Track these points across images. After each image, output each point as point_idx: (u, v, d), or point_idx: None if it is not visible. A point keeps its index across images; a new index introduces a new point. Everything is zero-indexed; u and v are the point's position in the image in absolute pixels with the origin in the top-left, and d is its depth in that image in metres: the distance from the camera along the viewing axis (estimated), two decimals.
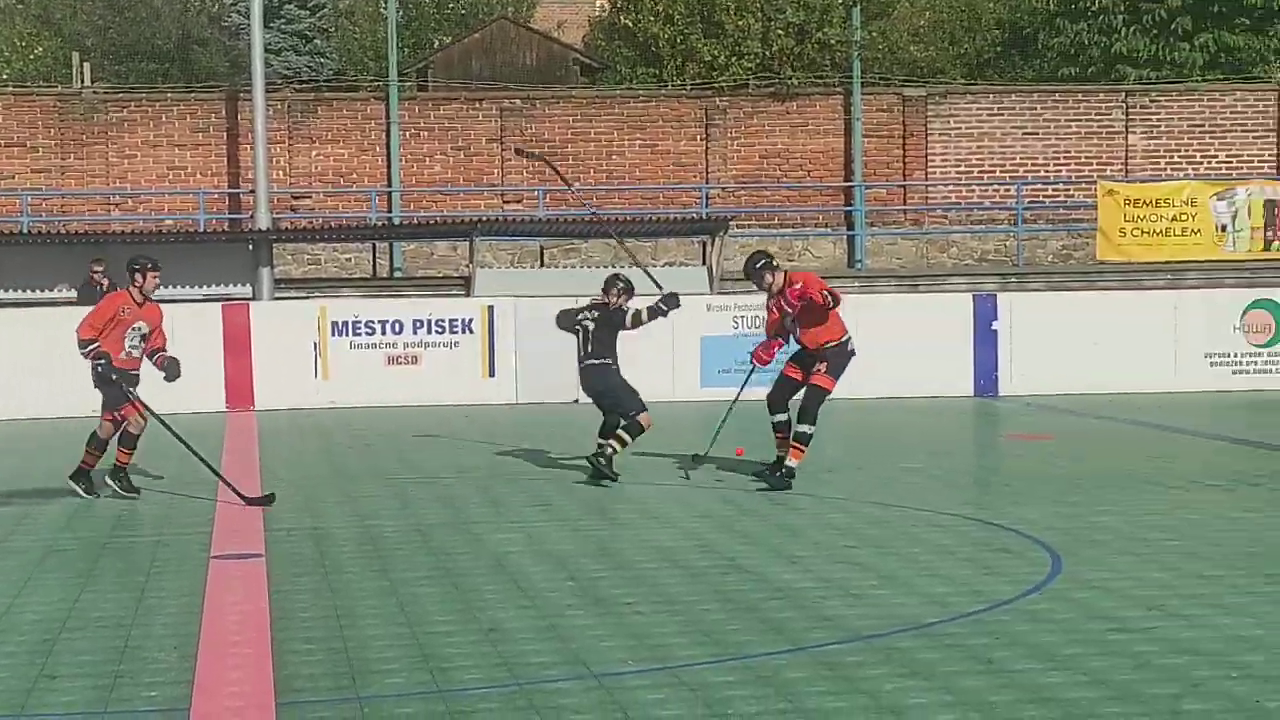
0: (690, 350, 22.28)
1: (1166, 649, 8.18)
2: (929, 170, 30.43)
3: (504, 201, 29.65)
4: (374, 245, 28.90)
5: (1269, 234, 27.29)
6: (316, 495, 13.89)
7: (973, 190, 30.34)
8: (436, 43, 38.13)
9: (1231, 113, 30.80)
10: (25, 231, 26.91)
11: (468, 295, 23.51)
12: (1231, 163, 30.62)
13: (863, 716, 7.09)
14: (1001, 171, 30.28)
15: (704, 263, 25.84)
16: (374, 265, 29.04)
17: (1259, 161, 30.67)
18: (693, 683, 7.61)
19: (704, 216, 28.01)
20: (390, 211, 29.32)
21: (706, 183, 29.82)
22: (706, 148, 30.02)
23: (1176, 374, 22.61)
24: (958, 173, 30.41)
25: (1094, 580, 9.86)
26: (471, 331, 22.17)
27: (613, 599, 9.45)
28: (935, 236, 30.26)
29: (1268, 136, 30.73)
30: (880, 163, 30.42)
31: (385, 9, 31.73)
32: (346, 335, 21.94)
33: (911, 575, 10.11)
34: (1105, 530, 11.70)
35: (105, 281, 21.68)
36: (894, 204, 30.66)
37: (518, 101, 30.01)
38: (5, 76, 37.69)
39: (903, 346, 21.23)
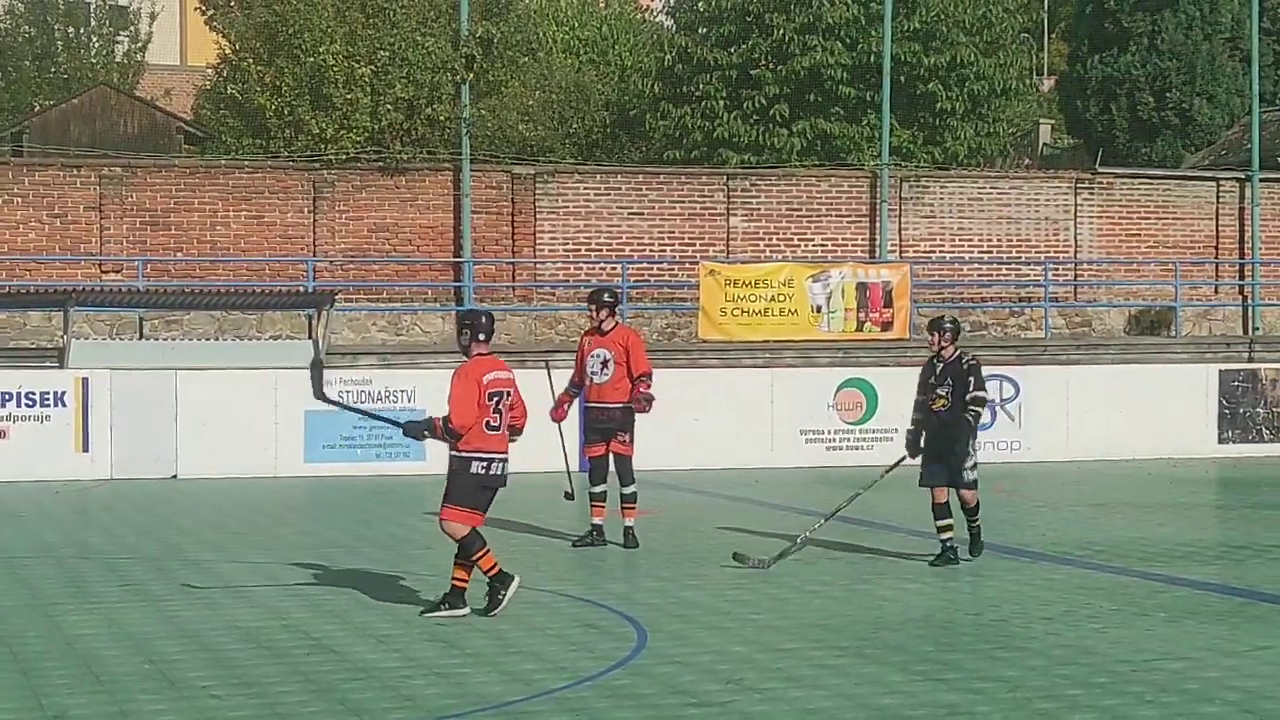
0: (294, 424, 21.97)
1: None
2: (538, 247, 30.69)
3: (102, 271, 28.79)
4: None
5: (861, 315, 28.27)
6: None
7: (580, 268, 30.70)
8: (36, 106, 36.95)
9: (827, 197, 31.89)
10: None
11: (61, 367, 22.72)
12: (827, 245, 31.67)
13: None
14: (608, 250, 30.73)
15: (310, 336, 25.53)
16: None
17: (853, 245, 31.79)
18: None
19: (310, 290, 27.70)
20: None
21: (314, 255, 29.49)
22: (314, 220, 29.70)
23: (773, 450, 23.24)
24: (566, 250, 30.74)
25: (677, 655, 10.01)
26: (64, 404, 21.46)
27: (189, 681, 9.20)
28: (544, 313, 30.52)
29: (860, 221, 31.89)
30: (489, 239, 30.55)
31: None
32: None
33: (498, 653, 10.11)
34: (692, 605, 11.91)
35: None
36: (503, 280, 30.83)
37: (118, 169, 29.25)
38: None
39: None
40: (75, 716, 8.41)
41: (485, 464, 11.33)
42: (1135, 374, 25.65)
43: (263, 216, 29.53)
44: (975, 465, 13.84)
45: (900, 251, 31.65)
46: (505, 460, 11.49)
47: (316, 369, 12.08)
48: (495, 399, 11.35)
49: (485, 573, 11.33)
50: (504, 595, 11.30)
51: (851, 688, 9.08)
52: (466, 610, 11.28)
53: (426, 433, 11.47)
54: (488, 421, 11.32)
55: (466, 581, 11.38)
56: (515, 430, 11.66)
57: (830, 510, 14.77)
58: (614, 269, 30.43)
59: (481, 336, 11.50)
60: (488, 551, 11.34)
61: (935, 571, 13.50)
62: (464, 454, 11.34)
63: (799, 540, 14.26)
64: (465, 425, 11.22)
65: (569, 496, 15.03)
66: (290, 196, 29.70)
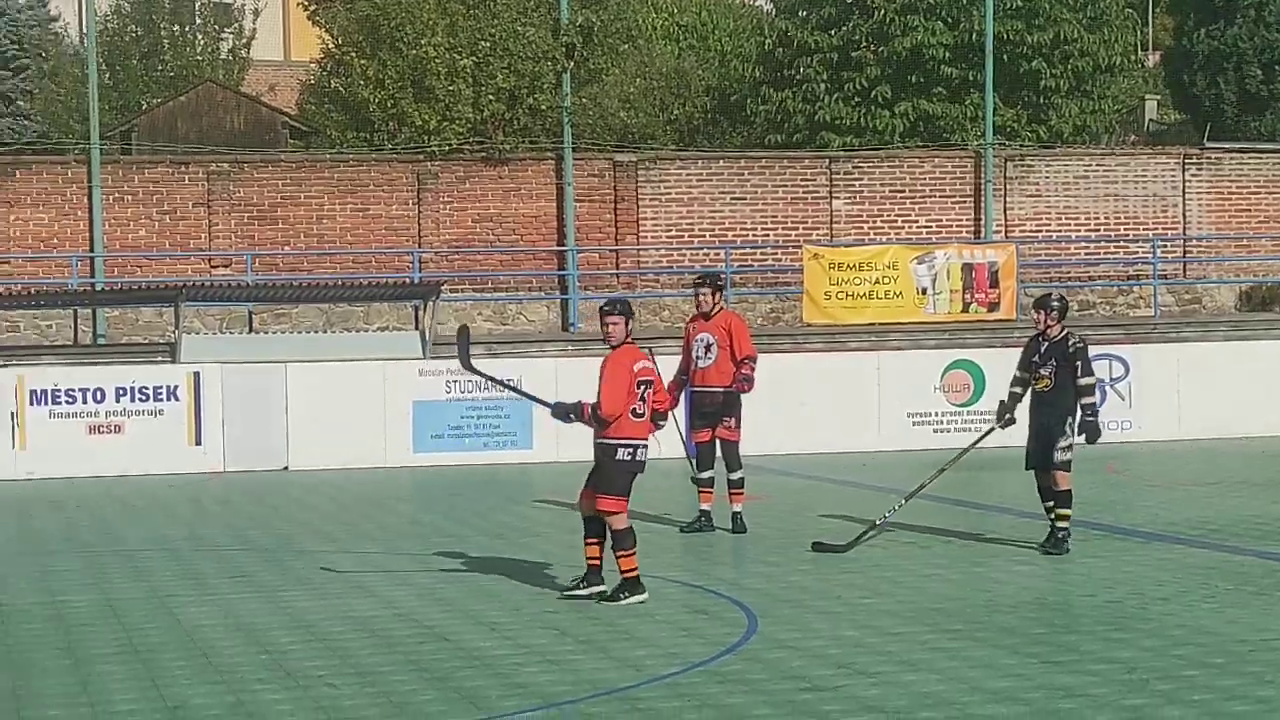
0: (403, 415, 22.11)
1: (853, 707, 8.32)
2: (640, 234, 30.73)
3: (211, 266, 29.15)
4: (75, 312, 28.12)
5: (967, 296, 28.06)
6: (7, 570, 13.43)
7: (683, 254, 30.71)
8: (144, 105, 37.40)
9: (931, 178, 31.72)
10: None
11: (173, 362, 23.01)
12: (931, 227, 31.49)
13: None
14: (711, 236, 30.72)
15: (416, 327, 25.71)
16: (76, 332, 28.26)
17: (957, 226, 31.60)
18: None
19: (416, 281, 27.89)
20: (93, 277, 28.61)
21: (419, 247, 29.69)
22: (419, 212, 29.90)
23: (880, 434, 23.11)
24: (668, 237, 30.76)
25: (788, 640, 10.00)
26: (177, 399, 21.69)
27: (304, 671, 9.30)
28: (648, 299, 30.56)
29: (965, 202, 31.69)
30: (593, 227, 30.63)
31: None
32: (46, 404, 21.30)
33: (610, 639, 10.14)
34: (802, 589, 11.89)
35: None
36: (606, 268, 30.87)
37: (225, 165, 29.58)
38: None
39: None
40: (195, 706, 8.53)
41: (631, 450, 11.46)
42: (1247, 350, 25.28)
43: (368, 209, 29.77)
44: (1070, 447, 13.54)
45: (1006, 231, 31.41)
46: (646, 447, 11.62)
47: (463, 336, 12.09)
48: (642, 387, 11.50)
49: (622, 572, 11.38)
50: (626, 598, 11.33)
51: (965, 671, 9.04)
52: (604, 587, 11.38)
53: (573, 415, 11.54)
54: (634, 409, 11.44)
55: (600, 559, 11.45)
56: (660, 415, 11.83)
57: (910, 490, 14.65)
58: (717, 254, 30.43)
59: (630, 325, 11.68)
60: (635, 553, 11.40)
61: (1046, 553, 13.37)
62: (610, 441, 11.44)
63: (877, 522, 14.18)
64: (614, 413, 11.34)
65: (696, 481, 15.09)
66: (395, 189, 29.92)
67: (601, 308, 11.81)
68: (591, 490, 11.56)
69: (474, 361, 11.96)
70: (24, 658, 9.82)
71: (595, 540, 11.52)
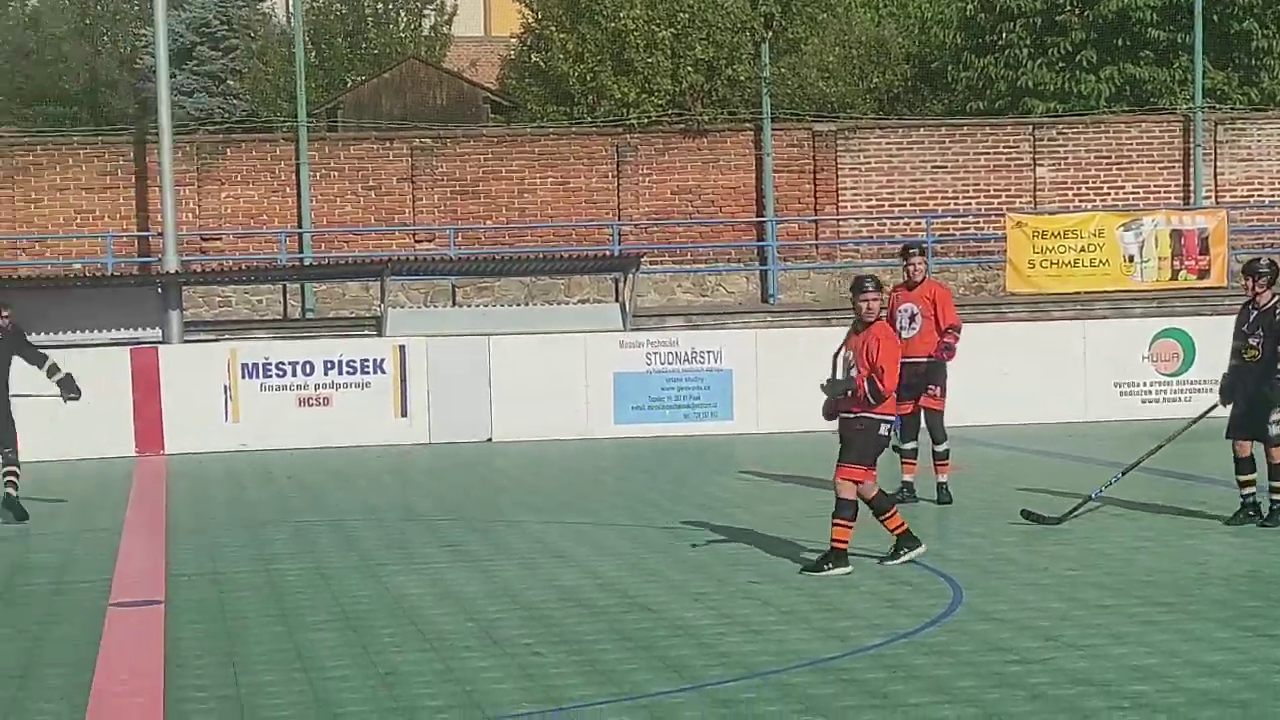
0: (604, 387, 22.25)
1: (1061, 679, 8.21)
2: (840, 204, 30.57)
3: (415, 241, 29.58)
4: (285, 286, 28.73)
5: (1176, 264, 27.53)
6: (222, 539, 13.78)
7: (883, 224, 30.50)
8: (349, 82, 38.00)
9: (1137, 144, 31.13)
10: None
11: (379, 335, 23.41)
12: (1138, 193, 30.93)
13: None
14: (911, 205, 30.47)
15: (617, 299, 25.86)
16: (285, 306, 28.87)
17: (1165, 192, 30.99)
18: None
19: (616, 253, 28.03)
20: (301, 252, 29.20)
21: (618, 219, 29.84)
22: (618, 184, 30.05)
23: (1086, 404, 22.75)
24: (868, 206, 30.57)
25: (993, 612, 9.90)
26: (383, 371, 22.06)
27: (511, 640, 9.41)
28: (847, 270, 30.37)
29: (1173, 167, 31.07)
30: (791, 197, 30.53)
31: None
32: (257, 377, 21.78)
33: (812, 610, 10.12)
34: (1008, 561, 11.76)
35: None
36: (806, 238, 30.77)
37: (428, 141, 29.97)
38: None
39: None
40: (405, 673, 8.67)
41: (889, 426, 11.57)
42: None
43: (568, 182, 29.98)
44: None
45: (1216, 197, 30.74)
46: None
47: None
48: None
49: (832, 541, 11.35)
50: (830, 569, 11.28)
51: (1177, 644, 8.87)
52: (850, 569, 11.30)
53: (850, 392, 11.47)
54: None
55: (847, 542, 11.37)
56: None
57: (1129, 464, 14.35)
58: (918, 224, 30.17)
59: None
60: (851, 527, 11.37)
61: (1261, 526, 13.04)
62: (876, 417, 11.45)
63: (1092, 496, 13.89)
64: (894, 389, 11.44)
65: (896, 449, 14.97)
66: (595, 162, 30.10)
67: (859, 283, 11.61)
68: (843, 464, 11.47)
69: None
70: (239, 624, 10.06)
71: (888, 515, 11.58)
